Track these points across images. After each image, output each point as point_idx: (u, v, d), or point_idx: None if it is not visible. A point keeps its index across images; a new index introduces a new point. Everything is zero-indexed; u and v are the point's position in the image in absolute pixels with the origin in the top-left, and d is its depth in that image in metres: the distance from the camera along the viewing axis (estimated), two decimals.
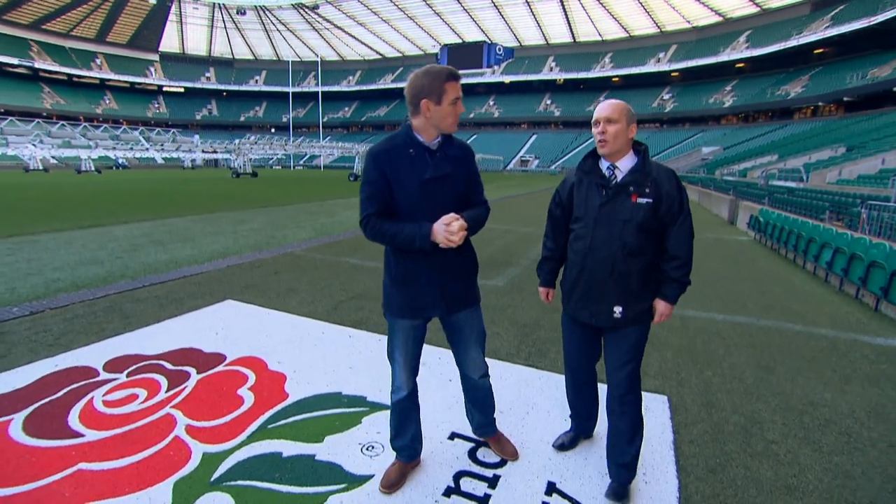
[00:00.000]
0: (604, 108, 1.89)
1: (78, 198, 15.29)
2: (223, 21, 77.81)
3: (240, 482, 2.07)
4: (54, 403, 2.66)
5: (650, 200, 1.83)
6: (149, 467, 2.15)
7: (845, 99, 40.05)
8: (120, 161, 51.36)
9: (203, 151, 39.59)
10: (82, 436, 2.37)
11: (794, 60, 47.70)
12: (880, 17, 37.42)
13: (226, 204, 14.01)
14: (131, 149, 35.65)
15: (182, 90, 79.35)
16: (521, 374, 3.20)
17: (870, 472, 2.25)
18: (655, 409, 2.73)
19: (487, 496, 2.02)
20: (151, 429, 2.45)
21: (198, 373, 3.08)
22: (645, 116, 58.20)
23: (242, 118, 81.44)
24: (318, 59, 77.02)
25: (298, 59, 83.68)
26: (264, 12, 75.62)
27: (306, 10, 72.73)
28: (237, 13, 72.91)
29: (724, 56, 52.35)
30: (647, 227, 1.85)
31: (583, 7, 62.16)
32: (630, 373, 1.96)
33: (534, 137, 66.03)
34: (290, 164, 67.72)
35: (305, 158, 70.92)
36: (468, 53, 67.98)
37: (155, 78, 76.10)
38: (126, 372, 3.05)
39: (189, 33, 78.52)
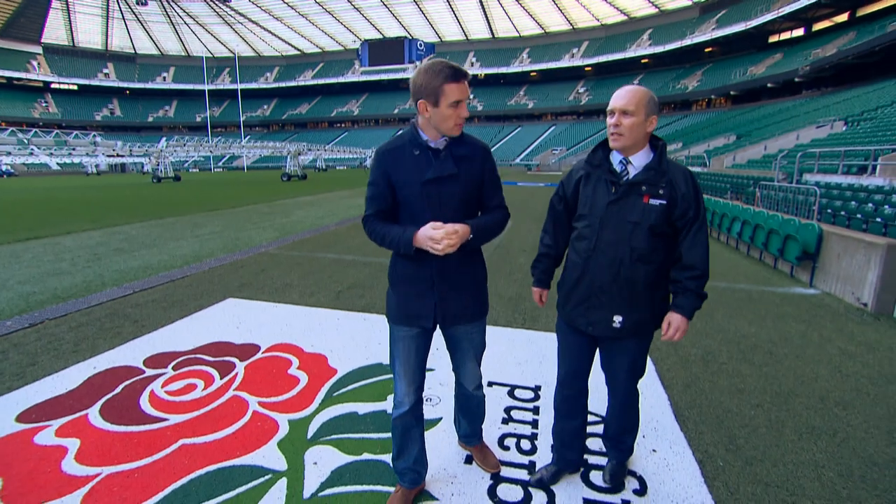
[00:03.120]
0: (620, 96, 1.68)
1: None
2: (120, 12, 70.82)
3: (334, 436, 2.47)
4: (119, 397, 2.85)
5: (664, 202, 1.66)
6: (246, 436, 2.48)
7: (732, 93, 45.60)
8: (4, 167, 45.53)
9: (118, 155, 36.12)
10: (166, 420, 2.62)
11: (690, 57, 53.30)
12: (754, 22, 43.05)
13: (167, 209, 13.33)
14: (31, 153, 31.72)
15: (75, 87, 71.27)
16: (524, 335, 3.83)
17: (787, 375, 3.15)
18: None
19: (535, 420, 2.62)
20: (227, 408, 2.75)
21: (240, 361, 3.36)
22: (563, 109, 61.97)
23: (151, 118, 74.99)
24: (235, 55, 72.74)
25: (211, 55, 78.50)
26: (169, 4, 69.97)
27: (216, 2, 68.37)
28: (137, 3, 66.70)
29: (631, 52, 57.11)
30: (659, 230, 1.69)
31: (500, 4, 64.46)
32: (626, 390, 1.88)
33: None
34: (210, 167, 63.64)
35: (225, 160, 67.03)
36: (389, 49, 67.77)
37: (40, 73, 67.52)
38: (171, 366, 3.26)
39: (79, 24, 70.48)
